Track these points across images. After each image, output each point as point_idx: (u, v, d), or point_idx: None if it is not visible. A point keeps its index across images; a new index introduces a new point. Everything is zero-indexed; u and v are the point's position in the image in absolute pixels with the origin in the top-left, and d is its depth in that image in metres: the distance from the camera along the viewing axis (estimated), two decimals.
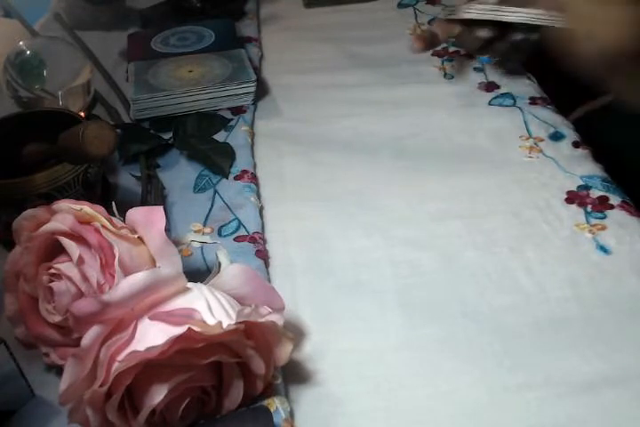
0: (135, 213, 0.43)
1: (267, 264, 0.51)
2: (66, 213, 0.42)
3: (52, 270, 0.42)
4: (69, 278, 0.41)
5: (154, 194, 0.58)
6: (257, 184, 0.59)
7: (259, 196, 0.58)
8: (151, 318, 0.36)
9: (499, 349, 0.44)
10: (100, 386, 0.34)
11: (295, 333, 0.43)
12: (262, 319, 0.37)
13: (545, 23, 0.57)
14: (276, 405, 0.39)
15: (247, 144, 0.64)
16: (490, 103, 0.67)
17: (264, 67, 0.77)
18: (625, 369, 0.42)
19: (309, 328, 0.46)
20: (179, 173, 0.62)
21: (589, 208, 0.53)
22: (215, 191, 0.58)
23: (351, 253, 0.52)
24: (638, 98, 0.52)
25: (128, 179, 0.61)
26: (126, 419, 0.36)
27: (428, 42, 0.63)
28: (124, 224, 0.43)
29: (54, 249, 0.43)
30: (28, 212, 0.43)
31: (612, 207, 0.53)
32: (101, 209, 0.43)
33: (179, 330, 0.34)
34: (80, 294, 0.41)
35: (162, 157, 0.64)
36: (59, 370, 0.43)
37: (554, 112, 0.64)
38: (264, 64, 0.78)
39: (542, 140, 0.61)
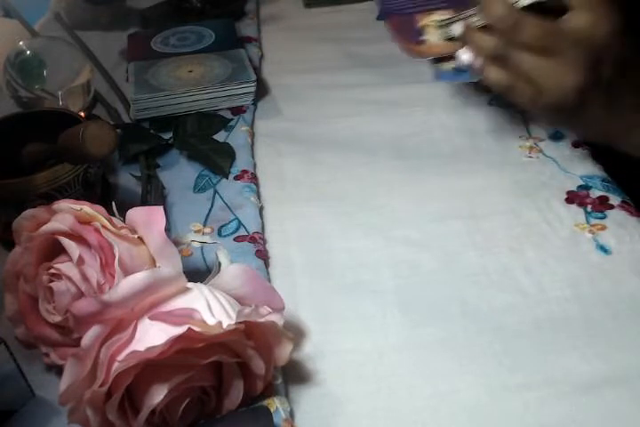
0: (135, 213, 0.43)
1: (267, 264, 0.51)
2: (66, 213, 0.42)
3: (52, 270, 0.42)
4: (69, 278, 0.41)
5: (154, 194, 0.58)
6: (257, 184, 0.59)
7: (259, 196, 0.58)
8: (151, 318, 0.36)
9: (499, 349, 0.44)
10: (100, 386, 0.34)
11: (295, 333, 0.43)
12: (262, 319, 0.37)
13: None
14: (276, 405, 0.39)
15: (247, 144, 0.64)
16: (489, 103, 0.67)
17: (264, 67, 0.77)
18: (625, 369, 0.42)
19: (309, 328, 0.46)
20: (179, 173, 0.62)
21: (589, 208, 0.53)
22: (215, 191, 0.58)
23: (351, 253, 0.52)
24: (585, 133, 0.54)
25: (128, 179, 0.61)
26: (126, 419, 0.36)
27: None
28: (124, 224, 0.43)
29: (54, 249, 0.43)
30: (28, 212, 0.43)
31: (611, 207, 0.53)
32: (101, 209, 0.43)
33: (179, 330, 0.34)
34: (80, 294, 0.41)
35: (162, 157, 0.64)
36: (59, 370, 0.43)
37: None
38: (264, 64, 0.78)
39: (542, 140, 0.61)
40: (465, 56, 0.50)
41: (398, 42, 0.55)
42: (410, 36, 0.55)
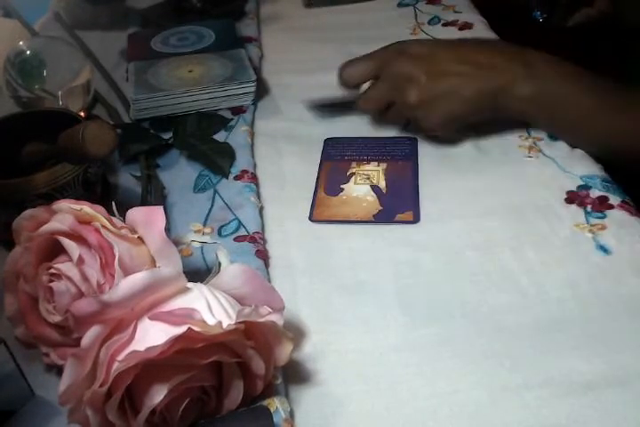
0: (135, 213, 0.43)
1: (267, 264, 0.51)
2: (66, 213, 0.42)
3: (52, 270, 0.42)
4: (69, 278, 0.41)
5: (154, 194, 0.58)
6: (257, 184, 0.59)
7: (259, 196, 0.58)
8: (151, 318, 0.36)
9: (498, 349, 0.44)
10: (100, 386, 0.34)
11: (295, 333, 0.44)
12: (262, 319, 0.37)
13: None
14: (276, 405, 0.39)
15: (247, 144, 0.64)
16: None
17: (264, 67, 0.77)
18: (625, 369, 0.42)
19: (309, 328, 0.46)
20: (179, 173, 0.62)
21: (589, 208, 0.53)
22: (215, 191, 0.58)
23: (351, 253, 0.52)
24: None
25: (128, 179, 0.61)
26: (126, 419, 0.36)
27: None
28: (124, 224, 0.43)
29: (54, 249, 0.43)
30: (28, 212, 0.43)
31: (611, 207, 0.53)
32: (101, 209, 0.43)
33: (179, 330, 0.34)
34: (80, 294, 0.41)
35: (162, 157, 0.64)
36: (59, 370, 0.43)
37: None
38: (264, 64, 0.78)
39: (541, 140, 0.61)
40: None
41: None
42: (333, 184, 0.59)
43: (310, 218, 0.56)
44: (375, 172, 0.60)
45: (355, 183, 0.59)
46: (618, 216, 0.52)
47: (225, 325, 0.35)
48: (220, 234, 0.54)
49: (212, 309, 0.37)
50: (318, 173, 0.60)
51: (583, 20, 0.83)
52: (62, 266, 0.41)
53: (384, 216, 0.55)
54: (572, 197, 0.55)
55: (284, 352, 0.39)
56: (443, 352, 0.44)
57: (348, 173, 0.60)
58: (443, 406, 0.41)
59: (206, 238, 0.54)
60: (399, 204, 0.56)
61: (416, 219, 0.54)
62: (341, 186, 0.59)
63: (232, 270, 0.41)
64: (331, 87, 0.71)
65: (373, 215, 0.55)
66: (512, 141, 0.61)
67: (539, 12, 0.79)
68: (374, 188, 0.58)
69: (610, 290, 0.47)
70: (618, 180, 0.56)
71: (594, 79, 0.56)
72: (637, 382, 0.41)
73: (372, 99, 0.61)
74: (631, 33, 0.69)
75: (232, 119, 0.67)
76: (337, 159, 0.62)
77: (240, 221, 0.55)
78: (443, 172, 0.59)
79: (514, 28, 0.74)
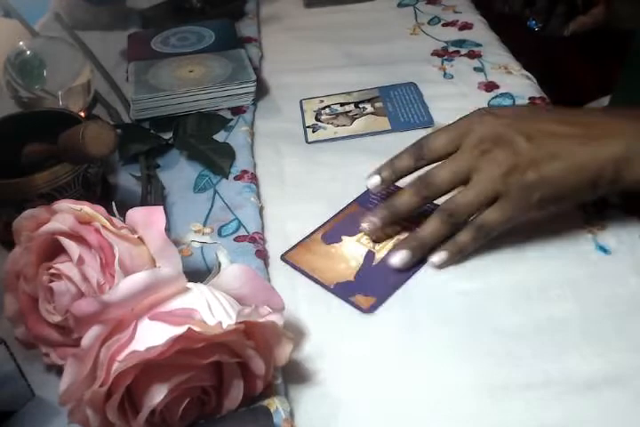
0: (135, 214, 0.43)
1: (267, 264, 0.51)
2: (66, 214, 0.42)
3: (52, 270, 0.42)
4: (69, 278, 0.41)
5: (154, 194, 0.58)
6: (257, 184, 0.59)
7: (259, 196, 0.58)
8: (151, 318, 0.36)
9: (498, 348, 0.44)
10: (100, 386, 0.34)
11: (295, 333, 0.44)
12: (262, 319, 0.37)
13: None
14: (276, 405, 0.39)
15: (247, 144, 0.64)
16: (489, 103, 0.67)
17: (264, 67, 0.77)
18: (624, 369, 0.42)
19: (309, 328, 0.46)
20: (179, 173, 0.62)
21: (589, 208, 0.53)
22: (215, 191, 0.59)
23: None
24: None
25: (128, 179, 0.61)
26: (126, 419, 0.36)
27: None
28: (124, 224, 0.43)
29: (54, 249, 0.43)
30: (28, 212, 0.43)
31: (611, 207, 0.53)
32: (101, 209, 0.43)
33: (179, 330, 0.34)
34: (80, 294, 0.41)
35: (162, 157, 0.64)
36: (59, 370, 0.43)
37: None
38: (264, 64, 0.78)
39: None
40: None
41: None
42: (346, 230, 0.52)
43: (282, 255, 0.51)
44: (390, 240, 0.51)
45: (357, 241, 0.52)
46: (618, 216, 0.52)
47: (225, 325, 0.35)
48: (219, 234, 0.54)
49: (211, 309, 0.37)
50: (336, 214, 0.54)
51: (579, 28, 0.83)
52: (62, 266, 0.41)
53: (343, 290, 0.48)
54: None
55: (283, 352, 0.39)
56: (442, 352, 0.44)
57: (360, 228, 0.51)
58: (443, 406, 0.41)
59: (206, 238, 0.54)
60: (370, 283, 0.48)
61: (372, 309, 0.46)
62: (342, 237, 0.52)
63: (232, 271, 0.41)
64: (331, 87, 0.72)
65: (337, 283, 0.48)
66: None
67: (534, 22, 0.79)
68: (368, 254, 0.50)
69: (609, 290, 0.47)
70: None
71: None
72: (637, 381, 0.41)
73: (444, 177, 0.48)
74: (628, 38, 0.68)
75: (232, 119, 0.67)
76: (368, 207, 0.54)
77: (240, 221, 0.55)
78: None
79: (514, 28, 0.74)
